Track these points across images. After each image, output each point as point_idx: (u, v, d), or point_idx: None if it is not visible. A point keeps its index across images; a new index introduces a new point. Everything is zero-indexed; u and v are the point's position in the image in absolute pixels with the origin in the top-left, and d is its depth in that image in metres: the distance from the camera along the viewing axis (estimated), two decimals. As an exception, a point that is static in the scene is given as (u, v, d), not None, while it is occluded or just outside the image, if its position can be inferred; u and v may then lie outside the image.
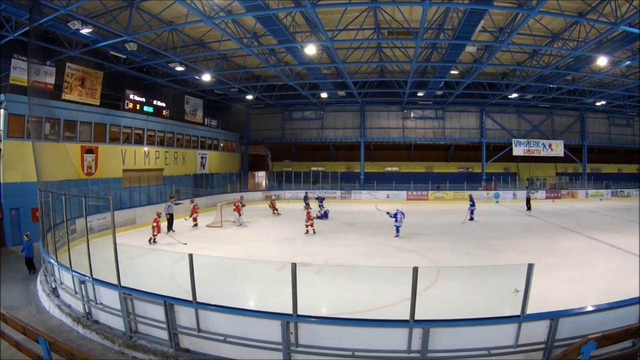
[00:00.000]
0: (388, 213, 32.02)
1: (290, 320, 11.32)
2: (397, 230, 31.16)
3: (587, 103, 61.25)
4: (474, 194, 54.94)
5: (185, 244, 27.62)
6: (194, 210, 36.34)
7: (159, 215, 29.89)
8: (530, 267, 10.70)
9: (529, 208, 47.66)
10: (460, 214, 41.49)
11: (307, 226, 32.93)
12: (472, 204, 40.68)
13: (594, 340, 8.34)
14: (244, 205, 38.52)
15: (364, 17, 30.95)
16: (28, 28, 28.25)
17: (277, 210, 43.99)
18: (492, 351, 10.94)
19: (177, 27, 32.44)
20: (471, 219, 39.98)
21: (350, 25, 32.36)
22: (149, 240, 28.59)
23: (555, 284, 18.02)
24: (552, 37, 34.85)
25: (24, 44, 30.94)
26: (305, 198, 47.35)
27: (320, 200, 44.07)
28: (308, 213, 33.77)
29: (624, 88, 49.89)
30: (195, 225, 35.40)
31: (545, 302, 12.57)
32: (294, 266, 11.12)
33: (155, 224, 29.19)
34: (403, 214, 31.56)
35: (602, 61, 36.20)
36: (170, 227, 33.32)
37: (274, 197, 46.05)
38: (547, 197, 61.01)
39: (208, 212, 42.86)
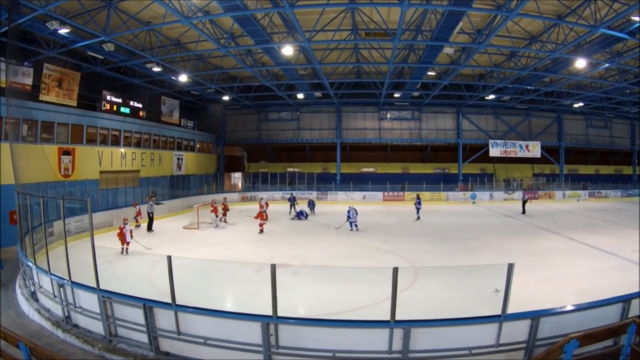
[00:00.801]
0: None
1: (271, 322, 11.30)
2: (351, 225, 34.09)
3: (564, 105, 61.74)
4: (451, 194, 56.89)
5: (150, 249, 26.84)
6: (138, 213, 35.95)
7: (125, 221, 28.61)
8: (510, 267, 10.77)
9: (523, 212, 46.96)
10: (437, 215, 42.55)
11: (260, 225, 33.54)
12: (419, 203, 42.00)
13: (577, 339, 8.40)
14: (227, 210, 38.70)
15: (342, 18, 31.01)
16: (7, 28, 28.05)
17: (225, 216, 39.17)
18: (474, 351, 11.01)
19: (155, 27, 32.42)
20: (418, 218, 41.03)
21: (327, 26, 32.29)
22: (122, 251, 27.66)
23: (534, 284, 18.19)
24: (530, 39, 35.17)
25: (1, 44, 30.67)
26: (292, 199, 46.27)
27: (292, 199, 44.66)
28: (261, 212, 34.23)
29: (602, 90, 50.44)
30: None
31: (525, 302, 12.64)
32: (273, 267, 11.11)
33: (119, 232, 27.74)
34: (355, 210, 34.52)
35: (580, 63, 36.47)
36: (150, 227, 33.72)
37: (223, 199, 42.00)
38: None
39: (184, 213, 43.08)
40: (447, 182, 65.85)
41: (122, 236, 26.25)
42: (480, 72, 49.83)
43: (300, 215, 41.34)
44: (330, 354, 11.11)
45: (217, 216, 36.46)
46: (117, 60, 40.37)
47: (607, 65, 37.78)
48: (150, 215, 34.52)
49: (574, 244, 29.17)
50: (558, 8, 28.97)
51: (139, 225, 34.91)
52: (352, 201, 56.11)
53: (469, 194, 60.89)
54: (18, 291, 19.08)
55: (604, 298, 11.69)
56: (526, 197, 49.88)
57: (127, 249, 26.37)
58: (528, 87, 51.53)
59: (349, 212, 34.83)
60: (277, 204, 50.60)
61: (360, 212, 36.48)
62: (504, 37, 34.05)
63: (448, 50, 35.40)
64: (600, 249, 26.57)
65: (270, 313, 11.28)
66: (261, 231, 32.88)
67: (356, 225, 34.42)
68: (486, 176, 68.13)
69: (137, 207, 36.00)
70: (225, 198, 41.99)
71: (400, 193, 60.71)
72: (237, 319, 11.94)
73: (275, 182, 62.23)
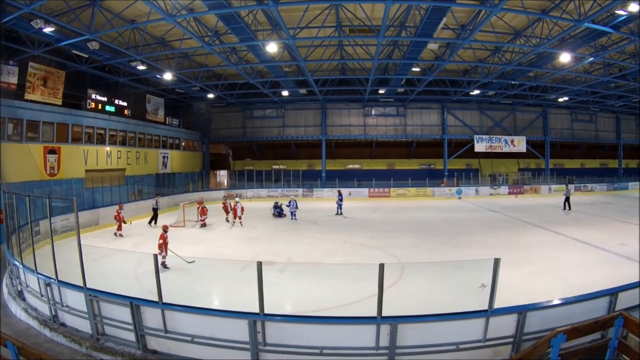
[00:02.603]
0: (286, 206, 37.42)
1: (257, 319, 11.33)
2: (292, 215, 37.12)
3: (549, 99, 62.15)
4: (436, 190, 57.44)
5: (193, 261, 26.35)
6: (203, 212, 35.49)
7: (121, 207, 30.58)
8: (496, 261, 10.79)
9: (569, 207, 45.17)
10: (423, 211, 42.96)
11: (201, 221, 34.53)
12: (340, 199, 42.29)
13: (564, 332, 8.38)
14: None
15: (326, 14, 31.11)
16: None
17: (204, 219, 35.73)
18: (461, 346, 11.05)
19: (139, 25, 32.34)
20: (340, 213, 41.37)
21: (312, 23, 32.42)
22: (115, 234, 29.88)
23: (521, 278, 18.25)
24: (514, 34, 35.29)
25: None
26: (278, 210, 42.38)
27: (279, 210, 42.81)
28: (202, 208, 34.83)
29: (586, 84, 50.75)
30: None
31: (512, 296, 12.80)
32: (259, 264, 11.12)
33: (116, 215, 30.31)
34: (296, 201, 37.53)
35: (565, 58, 36.54)
36: (154, 220, 35.19)
37: (200, 199, 41.02)
38: (509, 193, 61.92)
39: (170, 211, 42.92)
40: (433, 177, 66.82)
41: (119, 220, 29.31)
42: (464, 68, 50.00)
43: (279, 212, 41.01)
44: (318, 351, 11.13)
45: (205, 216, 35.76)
46: (101, 58, 40.31)
47: (591, 59, 37.90)
48: (155, 210, 35.90)
49: (561, 238, 29.29)
50: (542, 2, 29.21)
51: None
52: (334, 198, 56.64)
53: (454, 189, 61.00)
54: (5, 290, 19.04)
55: (592, 291, 11.74)
56: (568, 192, 48.59)
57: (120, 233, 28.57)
58: (513, 82, 51.73)
59: (290, 202, 37.97)
60: (263, 202, 50.85)
61: (346, 209, 37.99)
62: (488, 32, 34.18)
63: (432, 46, 35.23)
64: (587, 243, 26.69)
65: (257, 310, 11.31)
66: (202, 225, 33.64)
67: (295, 215, 38.37)
68: (472, 171, 67.80)
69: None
70: (201, 198, 42.08)
71: (386, 189, 60.88)
72: (224, 317, 12.02)
73: (261, 179, 62.31)
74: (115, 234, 30.44)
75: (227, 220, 36.56)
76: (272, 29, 33.57)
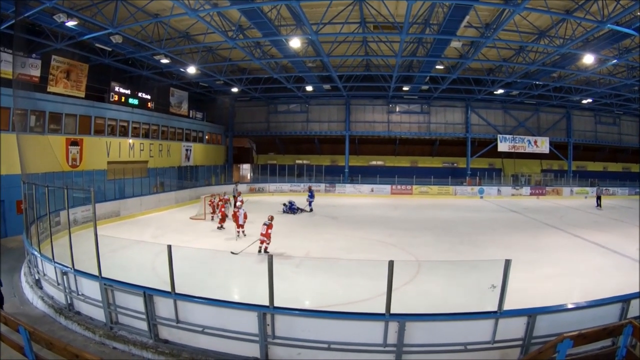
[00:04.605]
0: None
1: (267, 312, 11.40)
2: (309, 205, 37.55)
3: (573, 101, 61.24)
4: (458, 189, 57.15)
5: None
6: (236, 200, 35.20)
7: (222, 199, 32.29)
8: (507, 263, 10.73)
9: (599, 205, 46.95)
10: (444, 209, 42.77)
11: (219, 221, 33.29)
12: (311, 196, 41.80)
13: (570, 338, 8.25)
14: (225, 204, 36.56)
15: (350, 10, 31.04)
16: (14, 21, 28.18)
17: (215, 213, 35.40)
18: (469, 347, 11.02)
19: (163, 19, 32.56)
20: (310, 210, 40.97)
21: (335, 18, 32.30)
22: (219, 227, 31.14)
23: (536, 280, 18.12)
24: (538, 34, 34.93)
25: (8, 36, 30.80)
26: (293, 207, 41.09)
27: (293, 208, 41.32)
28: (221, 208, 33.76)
29: (610, 86, 50.06)
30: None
31: (526, 299, 12.63)
32: (270, 258, 11.18)
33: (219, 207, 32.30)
34: (312, 192, 38.27)
35: (588, 59, 36.14)
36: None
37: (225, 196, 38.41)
38: (531, 194, 61.32)
39: (192, 204, 43.03)
40: (455, 176, 66.04)
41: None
42: (489, 67, 49.64)
43: (291, 208, 40.27)
44: (326, 345, 11.18)
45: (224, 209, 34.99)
46: (125, 52, 40.52)
47: (615, 61, 37.46)
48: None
49: (579, 241, 29.05)
50: (566, 3, 28.98)
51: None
52: (360, 194, 57.08)
53: (476, 188, 60.65)
54: (23, 279, 19.29)
55: (604, 297, 11.70)
56: (600, 191, 49.15)
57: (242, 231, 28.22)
58: (537, 82, 51.25)
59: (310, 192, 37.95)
60: (286, 196, 50.35)
61: (367, 205, 37.79)
62: (512, 31, 34.03)
63: (456, 44, 35.22)
64: (605, 247, 26.41)
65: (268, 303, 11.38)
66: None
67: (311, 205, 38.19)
68: (494, 171, 67.36)
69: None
70: (225, 193, 39.99)
71: (409, 187, 60.67)
72: (235, 309, 12.14)
73: (284, 174, 62.28)
74: (218, 227, 31.19)
75: (213, 219, 34.55)
76: (296, 24, 33.46)
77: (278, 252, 15.48)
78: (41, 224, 20.36)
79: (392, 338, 11.02)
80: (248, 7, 28.67)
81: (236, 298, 15.26)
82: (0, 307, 14.92)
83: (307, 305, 15.54)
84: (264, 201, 43.42)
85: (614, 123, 71.17)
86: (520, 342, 11.13)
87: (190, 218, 35.43)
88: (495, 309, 11.01)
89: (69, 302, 15.09)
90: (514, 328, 11.11)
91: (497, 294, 10.95)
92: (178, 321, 12.48)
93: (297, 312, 12.09)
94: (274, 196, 54.32)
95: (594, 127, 70.42)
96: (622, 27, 28.92)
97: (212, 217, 35.03)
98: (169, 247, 12.49)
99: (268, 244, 23.44)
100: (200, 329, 12.17)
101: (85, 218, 29.07)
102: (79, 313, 14.77)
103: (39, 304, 16.35)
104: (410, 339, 11.01)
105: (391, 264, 10.67)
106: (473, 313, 11.40)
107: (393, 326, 10.95)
